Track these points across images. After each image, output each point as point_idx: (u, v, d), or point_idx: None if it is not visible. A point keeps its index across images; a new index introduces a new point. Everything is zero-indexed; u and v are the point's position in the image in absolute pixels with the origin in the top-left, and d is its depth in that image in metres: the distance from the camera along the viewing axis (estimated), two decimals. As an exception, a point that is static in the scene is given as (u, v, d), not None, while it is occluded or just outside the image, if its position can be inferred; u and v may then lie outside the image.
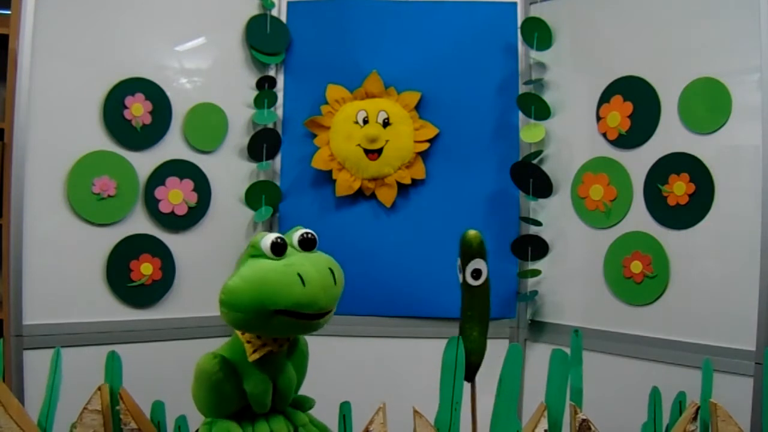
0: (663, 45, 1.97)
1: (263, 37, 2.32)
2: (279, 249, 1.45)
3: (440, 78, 2.31)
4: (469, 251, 1.50)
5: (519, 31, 2.26)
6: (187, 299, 2.20)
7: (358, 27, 2.35)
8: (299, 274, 1.40)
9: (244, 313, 1.41)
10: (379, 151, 2.27)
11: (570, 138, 2.21)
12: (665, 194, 1.95)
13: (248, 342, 1.50)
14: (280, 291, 1.39)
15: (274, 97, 2.33)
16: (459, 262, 1.52)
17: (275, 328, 1.45)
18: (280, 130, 2.36)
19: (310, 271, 1.42)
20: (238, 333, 1.53)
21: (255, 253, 1.46)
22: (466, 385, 1.50)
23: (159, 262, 2.13)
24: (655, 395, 1.57)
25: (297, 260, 1.45)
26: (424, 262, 2.30)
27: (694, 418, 1.50)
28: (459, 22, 2.32)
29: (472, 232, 1.50)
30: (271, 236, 1.45)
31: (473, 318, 1.53)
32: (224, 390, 1.49)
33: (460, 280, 1.53)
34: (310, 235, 1.51)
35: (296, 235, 1.51)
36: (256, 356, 1.49)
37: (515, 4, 2.31)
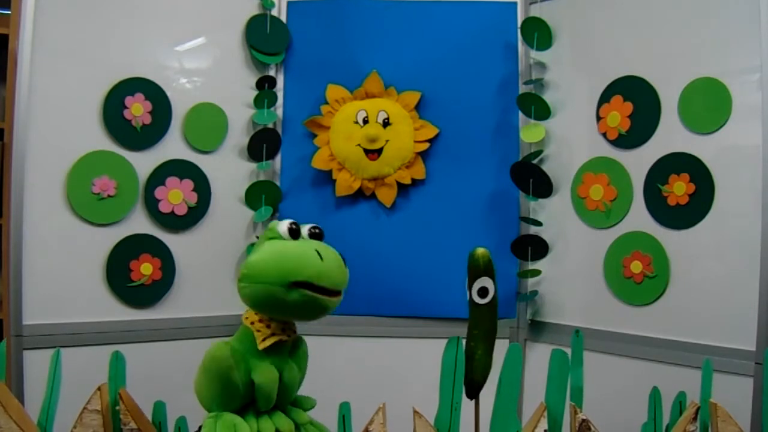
0: (663, 45, 1.97)
1: (263, 37, 2.32)
2: (295, 233, 1.57)
3: (440, 78, 2.31)
4: (476, 270, 1.48)
5: (519, 31, 2.26)
6: (187, 299, 2.20)
7: (358, 27, 2.35)
8: (317, 250, 1.51)
9: (265, 285, 1.49)
10: (379, 151, 2.27)
11: (570, 138, 2.21)
12: (665, 194, 1.95)
13: (258, 331, 1.54)
14: (301, 263, 1.49)
15: (274, 97, 2.33)
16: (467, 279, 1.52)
17: (291, 305, 1.50)
18: (280, 130, 2.36)
19: (326, 250, 1.54)
20: (248, 324, 1.56)
21: (272, 236, 1.57)
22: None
23: (159, 262, 2.13)
24: (655, 395, 1.57)
25: (312, 242, 1.57)
26: (424, 262, 2.30)
27: (694, 418, 1.49)
28: (459, 22, 2.32)
29: (480, 251, 1.49)
30: (287, 221, 1.58)
31: (478, 336, 1.52)
32: (232, 380, 1.50)
33: (468, 297, 1.52)
34: (317, 230, 1.62)
35: (306, 228, 1.62)
36: (266, 344, 1.53)
37: (515, 4, 2.31)
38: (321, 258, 1.50)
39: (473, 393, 1.53)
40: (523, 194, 2.25)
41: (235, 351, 1.52)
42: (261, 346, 1.52)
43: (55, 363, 1.50)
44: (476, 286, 1.49)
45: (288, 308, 1.51)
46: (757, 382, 1.71)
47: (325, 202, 2.34)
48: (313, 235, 1.60)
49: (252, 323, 1.55)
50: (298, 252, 1.51)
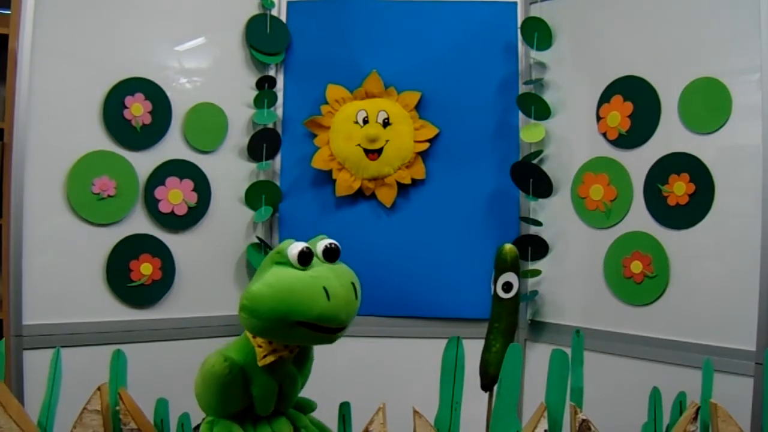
0: (663, 45, 1.97)
1: (263, 37, 2.32)
2: (305, 259, 1.44)
3: (440, 78, 2.31)
4: (503, 264, 1.50)
5: (519, 31, 2.26)
6: (187, 299, 2.20)
7: (358, 27, 2.35)
8: (324, 288, 1.40)
9: (264, 322, 1.41)
10: (379, 151, 2.27)
11: (570, 138, 2.21)
12: (665, 194, 1.95)
13: (259, 346, 1.50)
14: (305, 303, 1.39)
15: (274, 97, 2.33)
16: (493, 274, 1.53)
17: (292, 338, 1.46)
18: (280, 130, 2.36)
19: (335, 285, 1.43)
20: (250, 336, 1.53)
21: (280, 260, 1.46)
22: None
23: (159, 262, 2.13)
24: (655, 395, 1.57)
25: (323, 272, 1.45)
26: (424, 262, 2.30)
27: (695, 419, 1.49)
28: (459, 22, 2.32)
29: (507, 246, 1.51)
30: (299, 245, 1.45)
31: (499, 330, 1.53)
32: (231, 391, 1.50)
33: (492, 291, 1.54)
34: (333, 246, 1.51)
35: (320, 245, 1.50)
36: (266, 361, 1.50)
37: (515, 4, 2.31)
38: (328, 297, 1.40)
39: (488, 386, 1.54)
40: (523, 194, 2.25)
41: (234, 365, 1.50)
42: (261, 363, 1.50)
43: (55, 362, 1.50)
44: (501, 280, 1.50)
45: (288, 340, 1.48)
46: (757, 382, 1.71)
47: (325, 202, 2.34)
48: (327, 252, 1.49)
49: (254, 336, 1.52)
50: (302, 288, 1.39)
